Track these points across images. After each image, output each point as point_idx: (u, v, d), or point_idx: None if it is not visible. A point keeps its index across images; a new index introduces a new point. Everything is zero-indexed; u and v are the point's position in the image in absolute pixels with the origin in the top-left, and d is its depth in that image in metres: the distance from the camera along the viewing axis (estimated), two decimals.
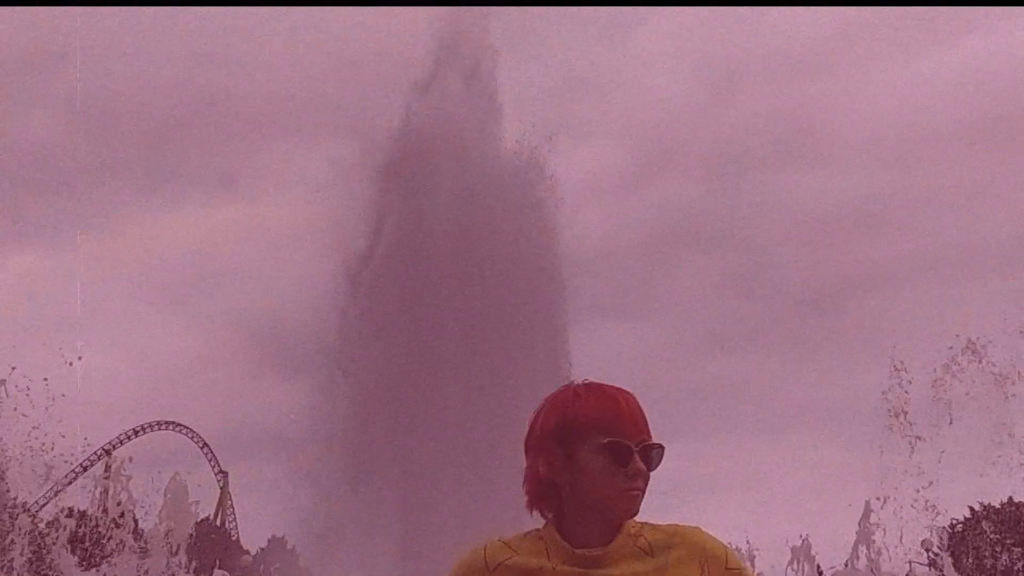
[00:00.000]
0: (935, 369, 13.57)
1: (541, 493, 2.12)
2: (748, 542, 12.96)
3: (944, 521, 13.27)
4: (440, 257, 19.77)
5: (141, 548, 13.28)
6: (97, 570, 13.25)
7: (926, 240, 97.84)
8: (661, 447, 2.12)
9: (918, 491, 12.64)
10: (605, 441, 2.06)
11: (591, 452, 2.06)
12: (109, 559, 13.36)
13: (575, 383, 2.18)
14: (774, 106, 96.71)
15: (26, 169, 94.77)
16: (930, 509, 12.71)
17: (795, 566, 12.57)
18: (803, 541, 12.75)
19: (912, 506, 12.69)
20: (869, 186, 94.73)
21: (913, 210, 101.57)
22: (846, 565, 12.69)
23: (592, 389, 2.14)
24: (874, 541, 12.24)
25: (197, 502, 14.06)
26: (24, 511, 15.51)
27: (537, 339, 19.55)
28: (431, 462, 17.49)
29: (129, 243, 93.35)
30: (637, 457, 2.08)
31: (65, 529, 13.73)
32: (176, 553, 12.94)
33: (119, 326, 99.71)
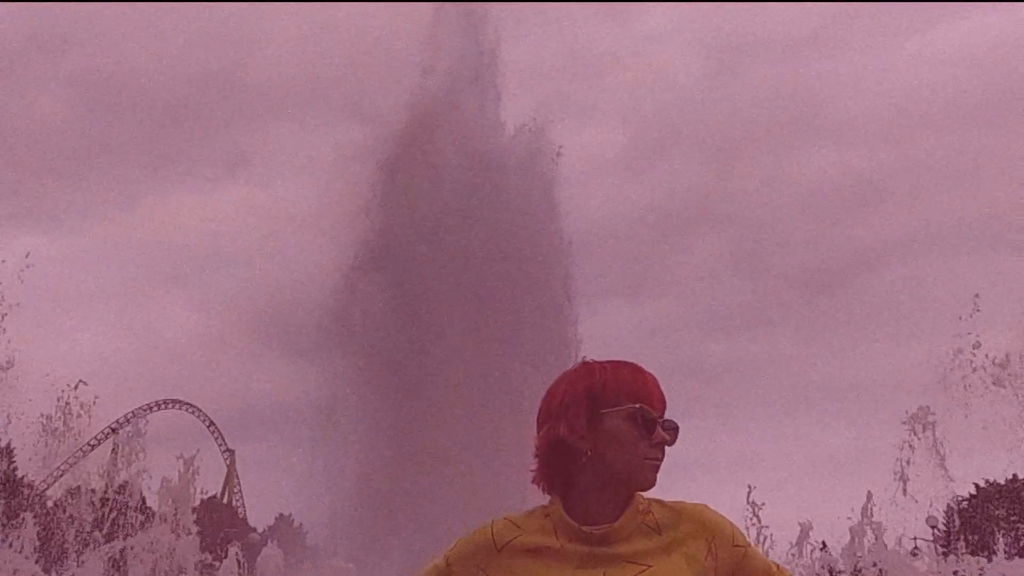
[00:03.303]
0: (952, 349, 13.49)
1: (554, 460, 2.10)
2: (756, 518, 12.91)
3: (950, 498, 13.22)
4: (445, 239, 19.75)
5: (146, 525, 13.35)
6: (109, 547, 13.31)
7: (931, 216, 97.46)
8: (678, 426, 2.13)
9: (935, 468, 12.65)
10: (636, 406, 2.08)
11: (618, 417, 2.07)
12: (117, 536, 13.44)
13: (590, 360, 2.19)
14: (777, 84, 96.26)
15: (33, 151, 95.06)
16: (937, 487, 12.73)
17: (800, 547, 12.59)
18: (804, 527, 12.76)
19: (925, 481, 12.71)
20: (873, 163, 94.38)
21: (917, 186, 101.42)
22: (852, 542, 12.69)
23: (621, 362, 2.16)
24: (876, 520, 12.25)
25: (197, 472, 14.00)
26: (30, 488, 15.60)
27: (543, 319, 19.55)
28: (437, 442, 17.51)
29: (136, 224, 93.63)
30: (660, 428, 2.10)
31: (74, 507, 13.82)
32: (177, 530, 12.99)
33: (126, 306, 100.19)
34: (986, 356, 13.44)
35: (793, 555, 12.46)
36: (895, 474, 12.69)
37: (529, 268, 19.78)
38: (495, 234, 19.71)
